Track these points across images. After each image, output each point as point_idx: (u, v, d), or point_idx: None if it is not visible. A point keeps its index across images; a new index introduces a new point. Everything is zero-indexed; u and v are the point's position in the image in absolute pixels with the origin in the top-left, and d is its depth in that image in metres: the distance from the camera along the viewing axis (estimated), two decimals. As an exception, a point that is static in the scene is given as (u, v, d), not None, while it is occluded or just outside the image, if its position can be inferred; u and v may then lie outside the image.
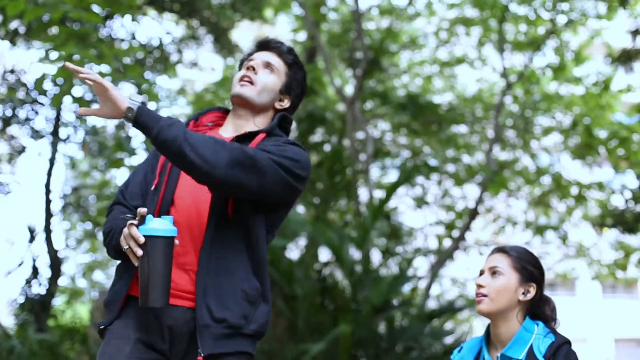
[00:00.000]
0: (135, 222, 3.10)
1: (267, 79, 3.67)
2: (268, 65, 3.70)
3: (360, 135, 15.74)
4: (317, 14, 15.75)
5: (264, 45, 3.77)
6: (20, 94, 12.28)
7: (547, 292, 3.97)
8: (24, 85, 12.48)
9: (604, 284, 33.69)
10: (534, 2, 14.86)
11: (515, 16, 15.39)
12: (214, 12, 14.03)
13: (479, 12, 15.70)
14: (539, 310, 3.85)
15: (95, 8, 7.88)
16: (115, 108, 3.20)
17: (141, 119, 3.18)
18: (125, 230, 3.10)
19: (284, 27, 18.82)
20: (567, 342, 3.70)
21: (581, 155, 16.49)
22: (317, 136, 16.70)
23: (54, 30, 8.39)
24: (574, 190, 16.56)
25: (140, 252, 3.05)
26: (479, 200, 15.23)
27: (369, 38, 15.90)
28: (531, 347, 3.68)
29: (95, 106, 3.48)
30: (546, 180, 17.21)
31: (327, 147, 16.31)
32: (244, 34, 19.68)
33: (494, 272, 3.80)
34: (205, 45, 14.91)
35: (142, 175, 3.56)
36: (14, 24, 12.86)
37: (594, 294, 34.39)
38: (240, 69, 3.76)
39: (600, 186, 16.28)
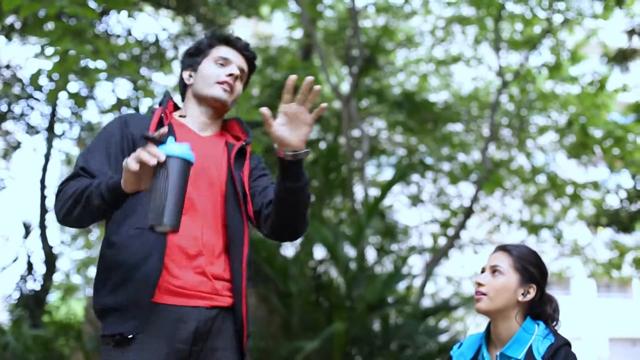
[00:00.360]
0: (156, 136, 3.03)
1: (240, 88, 3.73)
2: (242, 73, 3.74)
3: (355, 133, 15.74)
4: (313, 11, 15.74)
5: (234, 44, 3.75)
6: (16, 90, 12.27)
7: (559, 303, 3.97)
8: (20, 80, 12.47)
9: (598, 283, 33.77)
10: (530, 1, 14.88)
11: (511, 15, 15.40)
12: (211, 9, 14.03)
13: (475, 11, 15.70)
14: (540, 310, 3.84)
15: (91, 4, 7.88)
16: None
17: None
18: (139, 150, 2.99)
19: (280, 25, 18.82)
20: (567, 344, 3.68)
21: (576, 154, 16.50)
22: (313, 134, 16.69)
23: (50, 25, 8.37)
24: (569, 190, 16.57)
25: (160, 159, 2.96)
26: (474, 199, 15.24)
27: (365, 36, 15.90)
28: (530, 348, 3.68)
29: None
30: (541, 179, 17.21)
31: (322, 145, 16.31)
32: (241, 31, 19.69)
33: (494, 270, 3.79)
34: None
35: (105, 157, 3.43)
36: (9, 20, 12.85)
37: (589, 293, 34.44)
38: (201, 54, 3.72)
39: (596, 185, 16.29)
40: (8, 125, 12.93)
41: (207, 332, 3.36)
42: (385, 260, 12.96)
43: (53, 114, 12.78)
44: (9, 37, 13.23)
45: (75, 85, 10.04)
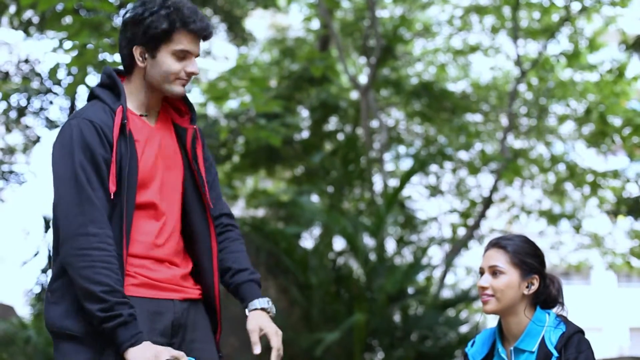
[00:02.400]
0: None
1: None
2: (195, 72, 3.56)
3: (374, 123, 15.72)
4: (330, 1, 15.70)
5: (194, 30, 3.41)
6: (35, 84, 12.31)
7: (561, 281, 3.94)
8: (38, 75, 12.51)
9: (618, 273, 33.62)
10: (549, -11, 14.81)
11: (529, 3, 15.32)
12: (227, 1, 14.03)
13: (492, 0, 15.64)
14: (546, 294, 3.83)
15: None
16: None
17: None
18: None
19: (297, 16, 18.80)
20: (579, 331, 3.68)
21: (596, 142, 16.42)
22: (331, 125, 16.69)
23: (68, 19, 8.41)
24: (589, 178, 16.49)
25: None
26: (494, 189, 15.19)
27: (383, 26, 15.86)
28: (543, 339, 3.69)
29: None
30: (561, 168, 17.15)
31: (340, 136, 16.30)
32: (258, 22, 19.68)
33: (494, 271, 3.78)
34: (219, 33, 14.90)
35: (102, 190, 3.23)
36: (27, 14, 12.89)
37: (609, 283, 34.32)
38: (158, 37, 3.35)
39: (615, 174, 16.21)
40: (27, 119, 12.97)
41: (184, 325, 3.36)
42: (405, 251, 12.95)
43: (72, 107, 12.80)
44: (27, 32, 13.27)
45: (93, 79, 10.05)
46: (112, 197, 3.18)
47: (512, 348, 3.75)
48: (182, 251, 3.47)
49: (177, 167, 3.47)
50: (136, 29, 3.37)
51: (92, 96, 3.43)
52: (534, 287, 3.77)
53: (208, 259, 3.49)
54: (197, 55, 3.46)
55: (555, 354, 3.63)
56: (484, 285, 3.77)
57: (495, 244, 3.84)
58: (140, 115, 3.42)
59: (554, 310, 3.84)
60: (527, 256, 3.78)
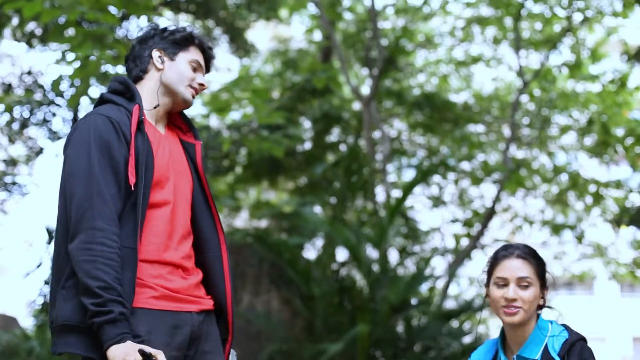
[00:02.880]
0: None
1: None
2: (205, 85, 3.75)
3: (376, 134, 15.73)
4: (332, 13, 15.73)
5: (205, 51, 3.71)
6: (38, 96, 12.32)
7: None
8: (41, 86, 12.53)
9: (622, 283, 33.59)
10: (550, 0, 14.81)
11: (530, 14, 15.34)
12: (230, 13, 14.06)
13: (494, 11, 15.66)
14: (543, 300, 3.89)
15: (112, 9, 7.90)
16: None
17: None
18: None
19: (299, 27, 18.83)
20: (582, 339, 3.72)
21: (598, 153, 16.42)
22: (334, 136, 16.70)
23: (71, 31, 8.42)
24: (592, 189, 16.49)
25: None
26: (496, 199, 15.19)
27: (385, 37, 15.88)
28: (546, 347, 3.72)
29: None
30: (563, 178, 17.14)
31: (343, 147, 16.31)
32: (260, 33, 19.71)
33: (523, 283, 3.77)
34: (221, 45, 14.93)
35: (116, 187, 3.26)
36: (30, 26, 12.92)
37: (612, 293, 34.27)
38: (179, 45, 3.63)
39: (618, 184, 16.21)
40: (30, 131, 12.99)
41: (199, 336, 3.40)
42: (407, 262, 12.96)
43: (75, 119, 12.81)
44: (30, 44, 13.29)
45: (96, 91, 10.07)
46: (132, 188, 3.23)
47: (515, 356, 3.77)
48: (193, 258, 3.50)
49: (186, 176, 3.53)
50: (158, 36, 3.63)
51: (103, 100, 3.49)
52: (547, 298, 3.86)
53: (219, 267, 3.52)
54: (204, 74, 3.67)
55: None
56: (514, 297, 3.75)
57: (518, 255, 3.83)
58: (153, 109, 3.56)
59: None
60: (545, 269, 3.86)
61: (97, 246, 3.10)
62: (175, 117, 3.68)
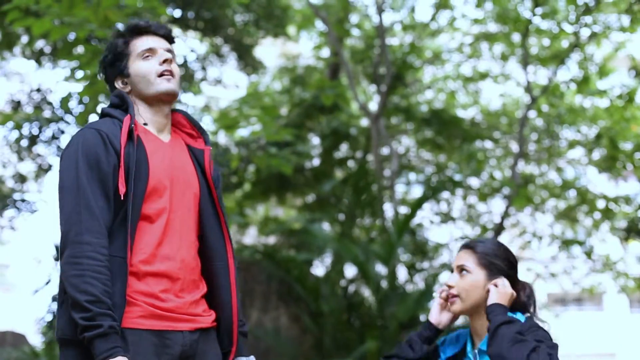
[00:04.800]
0: None
1: (177, 69, 3.62)
2: (171, 53, 3.62)
3: (384, 151, 15.73)
4: (340, 30, 15.77)
5: (147, 30, 3.60)
6: (47, 113, 12.35)
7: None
8: (50, 104, 12.56)
9: (631, 299, 33.51)
10: (557, 16, 14.82)
11: (538, 30, 15.35)
12: (238, 30, 14.09)
13: (502, 27, 15.68)
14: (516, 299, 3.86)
15: (120, 27, 7.93)
16: None
17: None
18: None
19: (307, 44, 18.87)
20: (537, 326, 3.67)
21: (607, 168, 16.40)
22: (342, 152, 16.70)
23: (80, 49, 8.45)
24: (601, 204, 16.46)
25: None
26: (505, 215, 15.16)
27: (393, 54, 15.91)
28: None
29: None
30: (572, 194, 17.13)
31: (351, 164, 16.31)
32: (268, 50, 19.76)
33: (461, 270, 3.86)
34: (229, 62, 14.97)
35: (104, 199, 3.25)
36: (39, 44, 12.97)
37: (622, 308, 34.19)
38: (122, 57, 3.56)
39: (627, 200, 16.18)
40: (39, 148, 13.01)
41: (193, 356, 3.34)
42: (416, 278, 12.93)
43: (83, 136, 12.84)
44: (39, 62, 13.34)
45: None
46: (122, 197, 3.21)
47: (476, 350, 3.80)
48: (197, 270, 3.45)
49: (191, 185, 3.49)
50: (107, 68, 3.60)
51: (103, 115, 3.52)
52: (502, 283, 3.80)
53: (225, 277, 3.48)
54: (168, 50, 3.57)
55: None
56: (450, 284, 3.89)
57: (466, 246, 3.95)
58: (144, 124, 3.50)
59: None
60: (496, 258, 3.84)
61: (85, 260, 3.09)
62: (184, 124, 3.66)
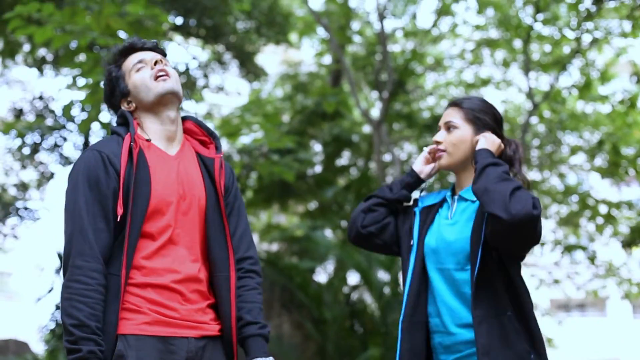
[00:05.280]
0: None
1: (174, 72, 3.61)
2: (163, 59, 3.63)
3: (386, 157, 15.73)
4: (342, 37, 15.78)
5: (135, 49, 3.65)
6: (49, 121, 12.36)
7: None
8: (52, 112, 12.58)
9: (634, 304, 33.45)
10: (559, 22, 14.83)
11: (540, 36, 15.36)
12: (239, 37, 14.10)
13: (503, 33, 15.69)
14: (500, 153, 3.89)
15: (122, 34, 7.94)
16: None
17: None
18: None
19: (309, 51, 18.88)
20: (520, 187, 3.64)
21: (609, 173, 16.39)
22: (344, 159, 16.70)
23: (82, 57, 8.45)
24: (603, 210, 16.45)
25: None
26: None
27: (394, 60, 15.92)
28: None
29: None
30: (574, 199, 17.12)
31: (353, 170, 16.31)
32: (270, 57, 19.76)
33: (448, 127, 3.88)
34: (231, 69, 14.98)
35: (103, 221, 3.28)
36: (41, 52, 12.98)
37: (625, 314, 34.15)
38: (119, 80, 3.61)
39: (630, 205, 16.17)
40: (41, 156, 13.02)
41: None
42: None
43: (86, 144, 12.84)
44: (41, 70, 13.35)
45: (107, 116, 10.11)
46: (119, 219, 3.24)
47: (456, 196, 3.90)
48: (205, 281, 3.45)
49: (199, 197, 3.48)
50: (110, 100, 3.64)
51: (112, 132, 3.53)
52: (489, 136, 3.83)
53: (226, 290, 3.46)
54: (156, 60, 3.58)
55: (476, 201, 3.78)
56: (439, 140, 3.88)
57: (452, 103, 3.95)
58: (147, 140, 3.47)
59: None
60: (481, 113, 3.87)
61: (74, 284, 3.14)
62: (196, 131, 3.66)
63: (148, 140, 3.47)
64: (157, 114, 3.53)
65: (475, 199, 3.78)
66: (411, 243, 3.92)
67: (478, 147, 3.75)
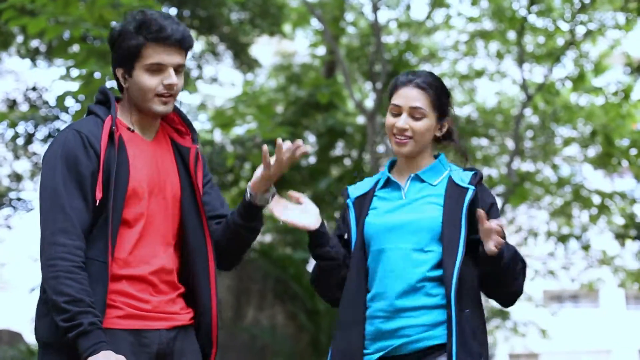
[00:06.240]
0: None
1: (181, 84, 3.43)
2: (180, 67, 3.41)
3: (380, 148, 15.73)
4: (336, 28, 15.76)
5: (164, 41, 3.31)
6: (42, 112, 12.35)
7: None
8: (46, 102, 12.56)
9: (627, 295, 33.54)
10: (553, 14, 14.84)
11: (533, 28, 15.37)
12: (233, 28, 14.09)
13: (497, 25, 15.70)
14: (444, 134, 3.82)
15: (116, 25, 7.94)
16: None
17: None
18: None
19: (302, 42, 18.87)
20: (487, 191, 3.73)
21: (602, 164, 16.42)
22: (338, 150, 16.69)
23: (75, 48, 8.46)
24: (596, 200, 16.48)
25: None
26: (501, 212, 15.15)
27: (388, 52, 15.91)
28: (451, 179, 3.68)
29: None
30: (567, 190, 17.14)
31: (347, 161, 16.30)
32: (264, 49, 19.74)
33: (415, 113, 3.65)
34: (225, 60, 14.97)
35: (82, 201, 3.19)
36: (34, 43, 12.96)
37: (618, 305, 34.23)
38: (132, 55, 3.32)
39: (623, 196, 16.20)
40: (35, 147, 13.01)
41: (170, 353, 3.30)
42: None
43: (79, 135, 12.83)
44: (34, 60, 13.34)
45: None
46: (97, 203, 3.16)
47: (413, 174, 3.72)
48: (174, 271, 3.39)
49: (172, 184, 3.42)
50: (114, 50, 3.40)
51: (88, 112, 3.43)
52: (445, 129, 3.78)
53: (205, 278, 3.41)
54: (178, 66, 3.37)
55: (472, 187, 3.62)
56: (404, 127, 3.65)
57: (417, 84, 3.69)
58: (128, 129, 3.37)
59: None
60: (445, 98, 3.74)
61: (59, 261, 3.05)
62: (174, 119, 3.54)
63: (128, 127, 3.38)
64: (141, 112, 3.40)
65: (434, 182, 3.68)
66: (348, 237, 3.72)
67: (494, 246, 3.46)
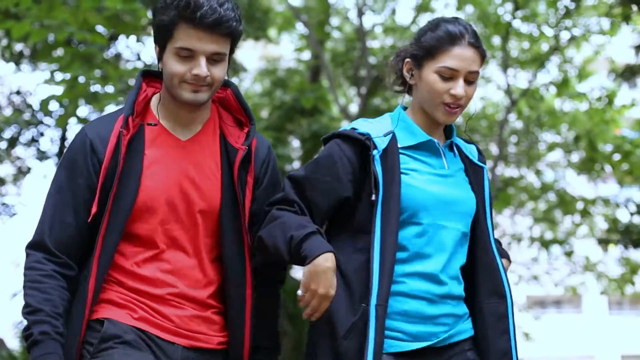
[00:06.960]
0: None
1: (219, 73, 2.96)
2: (217, 56, 2.95)
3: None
4: (321, 32, 15.76)
5: (198, 24, 2.85)
6: (26, 116, 12.33)
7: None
8: (30, 106, 12.53)
9: (610, 301, 33.64)
10: (537, 19, 14.88)
11: (518, 33, 15.40)
12: (219, 32, 14.06)
13: (482, 30, 15.73)
14: None
15: (100, 29, 7.91)
16: None
17: None
18: None
19: (288, 46, 18.86)
20: None
21: (586, 170, 16.46)
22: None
23: (59, 51, 8.43)
24: (579, 206, 16.53)
25: None
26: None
27: (373, 56, 15.92)
28: (461, 151, 3.31)
29: None
30: (551, 196, 17.19)
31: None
32: (249, 53, 19.72)
33: (471, 79, 3.16)
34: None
35: (72, 214, 2.96)
36: (19, 46, 12.92)
37: (600, 310, 34.33)
38: (166, 32, 2.90)
39: (606, 202, 16.25)
40: (18, 150, 12.99)
41: None
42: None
43: (63, 139, 12.81)
44: (18, 64, 13.29)
45: (84, 110, 10.07)
46: (90, 218, 2.91)
47: (452, 140, 3.28)
48: (209, 293, 3.06)
49: (209, 193, 3.01)
50: (153, 25, 2.99)
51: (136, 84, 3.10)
52: None
53: (239, 304, 3.08)
54: (212, 54, 2.90)
55: (485, 166, 3.33)
56: (463, 94, 3.10)
57: (472, 43, 3.20)
58: (149, 124, 3.01)
59: None
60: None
61: (27, 271, 2.95)
62: (234, 106, 3.12)
63: (153, 124, 3.03)
64: (174, 100, 3.01)
65: (456, 154, 3.27)
66: (375, 198, 3.01)
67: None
